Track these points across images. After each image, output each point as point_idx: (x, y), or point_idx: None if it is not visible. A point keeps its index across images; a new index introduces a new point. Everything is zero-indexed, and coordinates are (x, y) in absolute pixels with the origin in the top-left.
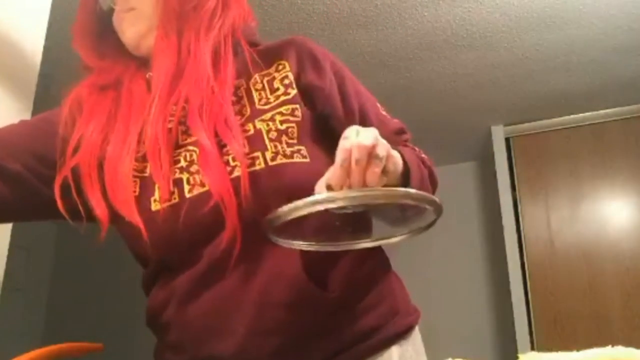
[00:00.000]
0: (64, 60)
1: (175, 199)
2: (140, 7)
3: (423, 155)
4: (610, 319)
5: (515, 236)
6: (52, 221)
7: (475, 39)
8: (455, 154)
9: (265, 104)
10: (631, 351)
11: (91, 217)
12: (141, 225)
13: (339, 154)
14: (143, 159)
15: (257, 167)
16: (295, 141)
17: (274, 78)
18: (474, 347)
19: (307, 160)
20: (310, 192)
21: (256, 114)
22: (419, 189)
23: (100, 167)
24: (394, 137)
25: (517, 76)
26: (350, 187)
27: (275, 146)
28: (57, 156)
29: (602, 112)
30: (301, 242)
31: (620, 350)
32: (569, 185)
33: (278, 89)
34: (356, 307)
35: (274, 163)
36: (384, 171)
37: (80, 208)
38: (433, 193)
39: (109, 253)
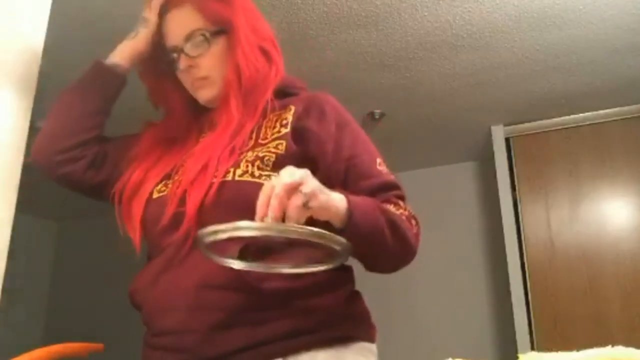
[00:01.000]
0: (64, 60)
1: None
2: (212, 75)
3: (407, 213)
4: (610, 319)
5: (515, 236)
6: (53, 220)
7: (475, 39)
8: (455, 154)
9: (264, 138)
10: (631, 351)
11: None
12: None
13: (264, 189)
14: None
15: (228, 179)
16: (269, 168)
17: (279, 118)
18: (474, 347)
19: None
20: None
21: (255, 146)
22: (366, 235)
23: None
24: (379, 191)
25: (517, 76)
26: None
27: (247, 167)
28: (121, 169)
29: (602, 112)
30: (230, 260)
31: (620, 350)
32: (569, 185)
33: (275, 127)
34: (286, 307)
35: (240, 179)
36: (307, 206)
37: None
38: (405, 246)
39: (109, 253)
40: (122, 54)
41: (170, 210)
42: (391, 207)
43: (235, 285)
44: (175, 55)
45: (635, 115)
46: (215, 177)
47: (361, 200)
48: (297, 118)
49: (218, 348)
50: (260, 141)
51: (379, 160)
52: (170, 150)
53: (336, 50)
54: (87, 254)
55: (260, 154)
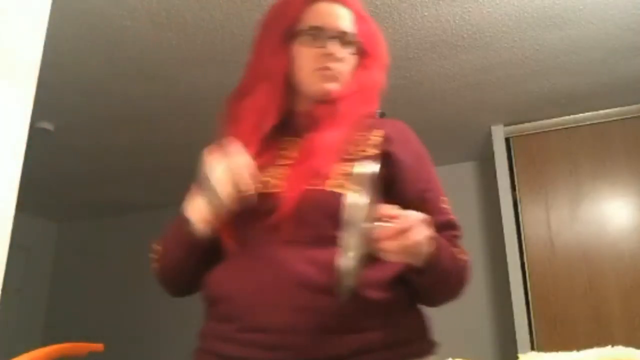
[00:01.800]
0: (64, 60)
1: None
2: (342, 79)
3: (466, 257)
4: (610, 319)
5: (515, 236)
6: (53, 220)
7: (475, 39)
8: (455, 154)
9: (349, 154)
10: (631, 351)
11: None
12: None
13: (406, 218)
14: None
15: (325, 187)
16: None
17: (364, 138)
18: (474, 347)
19: None
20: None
21: (346, 160)
22: (439, 278)
23: None
24: (443, 229)
25: (517, 76)
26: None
27: (340, 179)
28: None
29: (602, 112)
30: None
31: (620, 350)
32: (569, 185)
33: (360, 145)
34: (382, 318)
35: (329, 189)
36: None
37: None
38: (462, 285)
39: (109, 253)
40: (204, 222)
41: (267, 206)
42: (455, 250)
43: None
44: (317, 32)
45: (635, 115)
46: (313, 179)
47: (444, 243)
48: (386, 142)
49: (324, 351)
50: (345, 156)
51: (444, 197)
52: (263, 144)
53: None
54: (87, 254)
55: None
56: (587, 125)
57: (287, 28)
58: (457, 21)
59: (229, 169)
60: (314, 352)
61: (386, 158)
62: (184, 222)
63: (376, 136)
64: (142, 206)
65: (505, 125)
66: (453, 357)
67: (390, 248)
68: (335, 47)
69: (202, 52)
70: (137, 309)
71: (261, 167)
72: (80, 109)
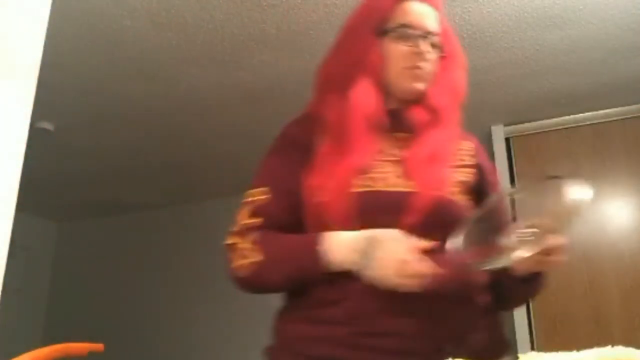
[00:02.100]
0: (65, 60)
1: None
2: (432, 63)
3: None
4: (610, 319)
5: None
6: (53, 220)
7: (475, 39)
8: None
9: (456, 161)
10: (631, 351)
11: None
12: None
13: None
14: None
15: (451, 197)
16: (463, 193)
17: (460, 147)
18: None
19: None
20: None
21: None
22: (537, 288)
23: None
24: None
25: (517, 76)
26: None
27: (455, 187)
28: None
29: (602, 112)
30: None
31: (620, 350)
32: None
33: (462, 157)
34: (486, 320)
35: (450, 197)
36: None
37: None
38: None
39: (109, 253)
40: (343, 261)
41: (392, 205)
42: None
43: (464, 298)
44: (408, 30)
45: (635, 115)
46: (437, 186)
47: None
48: (476, 153)
49: (441, 357)
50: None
51: None
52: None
53: None
54: (86, 254)
55: (462, 178)
56: (587, 125)
57: (378, 24)
58: (457, 21)
59: (398, 259)
60: (435, 357)
61: (478, 168)
62: (316, 256)
63: (468, 147)
64: (142, 206)
65: (505, 125)
66: (453, 357)
67: (555, 260)
68: (426, 46)
69: (202, 52)
70: (137, 309)
71: (374, 164)
72: (80, 109)
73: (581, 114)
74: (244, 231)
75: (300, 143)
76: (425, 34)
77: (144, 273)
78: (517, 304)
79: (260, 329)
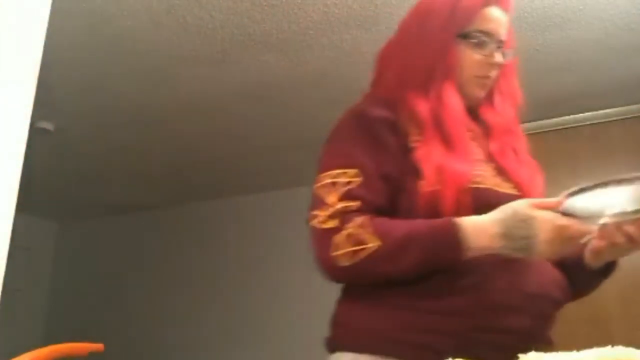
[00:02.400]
0: (65, 60)
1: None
2: (498, 70)
3: None
4: (609, 319)
5: None
6: (53, 220)
7: None
8: None
9: None
10: (631, 351)
11: None
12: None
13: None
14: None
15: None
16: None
17: None
18: None
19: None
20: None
21: None
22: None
23: None
24: None
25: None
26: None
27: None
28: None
29: (602, 112)
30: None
31: (620, 350)
32: (568, 185)
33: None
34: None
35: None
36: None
37: None
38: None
39: (109, 253)
40: (485, 247)
41: (497, 204)
42: None
43: (562, 299)
44: (486, 39)
45: (635, 115)
46: (537, 189)
47: None
48: None
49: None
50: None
51: None
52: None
53: (336, 50)
54: (86, 254)
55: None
56: (587, 125)
57: (461, 26)
58: None
59: (556, 225)
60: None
61: None
62: (457, 243)
63: None
64: (142, 206)
65: None
66: (453, 357)
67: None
68: (499, 57)
69: (202, 52)
70: (137, 309)
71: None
72: (80, 109)
73: (581, 114)
74: (341, 215)
75: (387, 128)
76: (500, 44)
77: (144, 273)
78: (580, 296)
79: (260, 328)
